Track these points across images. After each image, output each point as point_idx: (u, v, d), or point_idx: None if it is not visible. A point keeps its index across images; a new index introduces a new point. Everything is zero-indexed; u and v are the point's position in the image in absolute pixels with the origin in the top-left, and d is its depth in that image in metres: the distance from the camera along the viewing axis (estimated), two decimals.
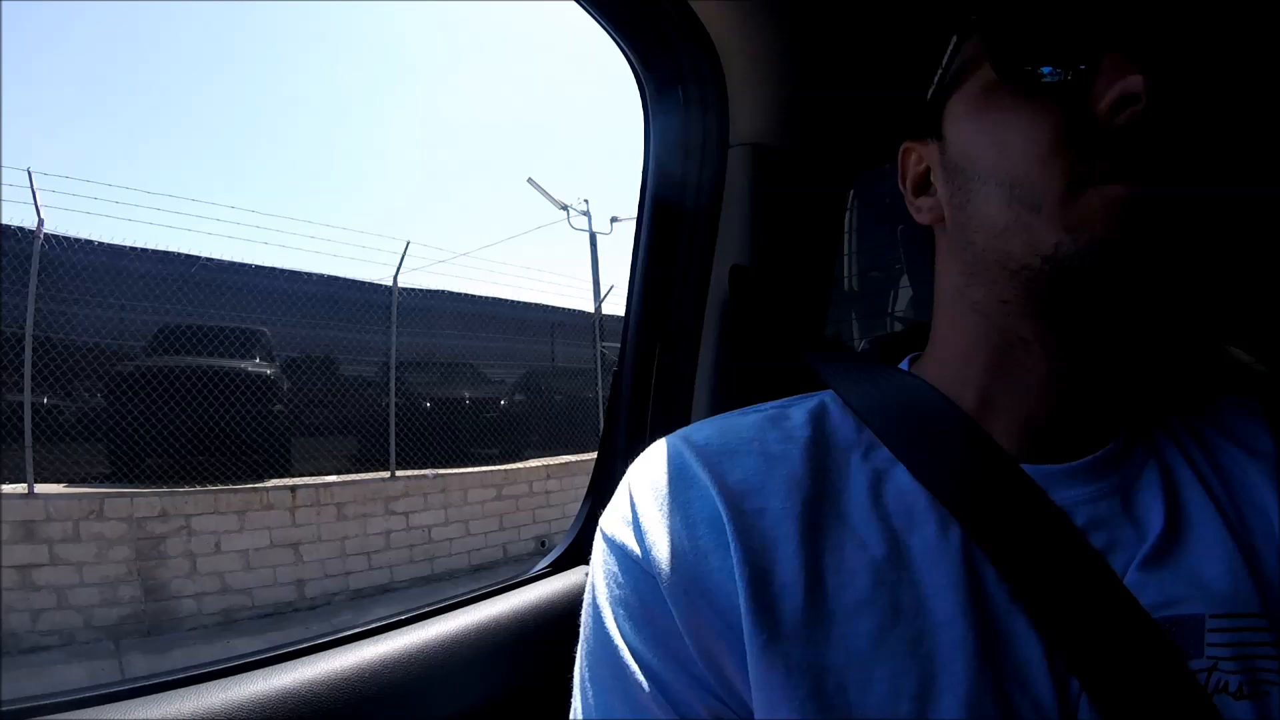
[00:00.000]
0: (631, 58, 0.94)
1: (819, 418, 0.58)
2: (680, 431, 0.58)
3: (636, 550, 0.52)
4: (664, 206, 0.99)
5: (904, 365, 0.63)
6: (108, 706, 0.65)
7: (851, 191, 1.37)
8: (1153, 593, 0.47)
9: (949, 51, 0.56)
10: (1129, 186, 0.44)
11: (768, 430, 0.56)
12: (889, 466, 0.54)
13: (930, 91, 0.58)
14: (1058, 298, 0.48)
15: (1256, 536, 0.49)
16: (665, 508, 0.52)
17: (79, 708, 0.64)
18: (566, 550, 1.05)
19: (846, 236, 1.44)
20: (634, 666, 0.50)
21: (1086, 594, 0.46)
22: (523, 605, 0.92)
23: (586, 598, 0.56)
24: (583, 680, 0.54)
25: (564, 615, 0.93)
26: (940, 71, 0.57)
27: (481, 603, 0.91)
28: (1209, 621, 0.47)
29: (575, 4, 0.83)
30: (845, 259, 1.45)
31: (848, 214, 1.42)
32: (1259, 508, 0.50)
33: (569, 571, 1.01)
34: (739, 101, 0.94)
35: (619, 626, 0.51)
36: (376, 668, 0.77)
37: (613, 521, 0.55)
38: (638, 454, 0.59)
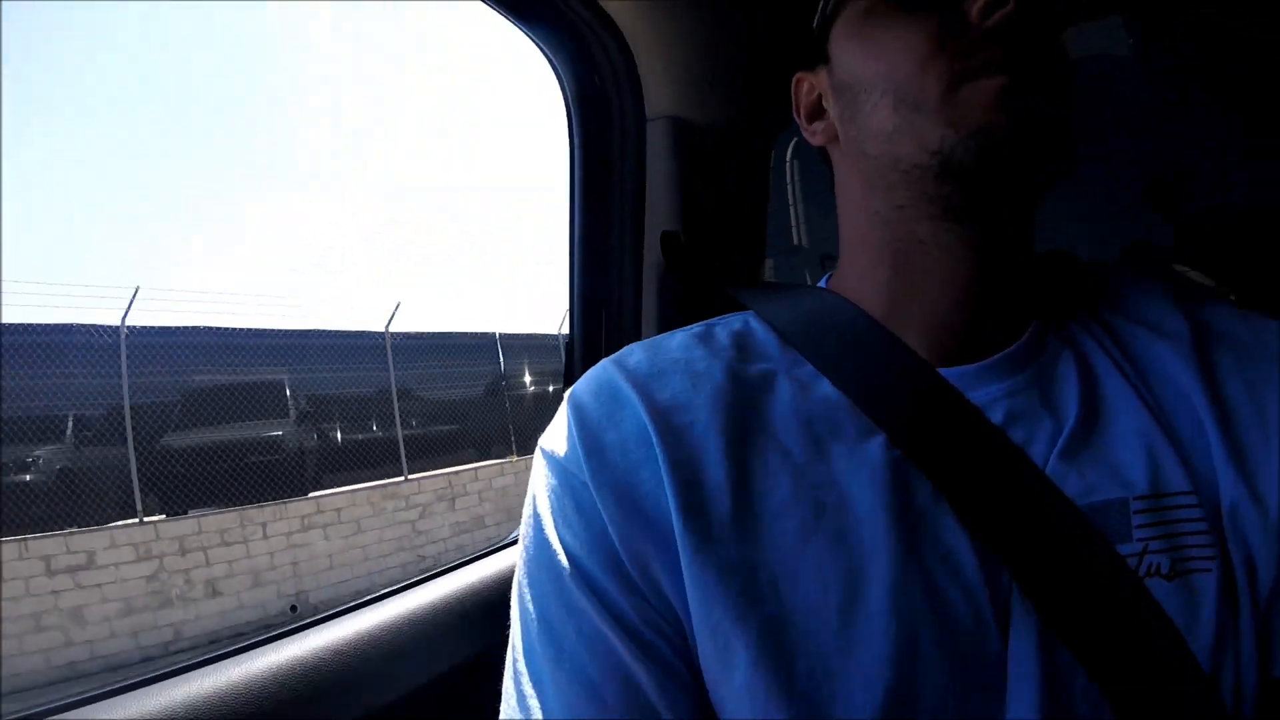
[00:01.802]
0: (539, 43, 0.99)
1: (742, 334, 0.61)
2: (614, 356, 0.60)
3: (573, 464, 0.54)
4: (593, 182, 1.04)
5: (822, 283, 0.66)
6: (90, 707, 0.68)
7: (791, 145, 1.42)
8: (1074, 482, 0.49)
9: None
10: (1000, 78, 0.48)
11: (694, 348, 0.59)
12: (811, 379, 0.56)
13: (815, 21, 0.62)
14: (949, 194, 0.51)
15: (1178, 417, 0.51)
16: (600, 425, 0.55)
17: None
18: None
19: (789, 189, 1.49)
20: (570, 571, 0.51)
21: (1007, 486, 0.48)
22: (507, 566, 0.98)
23: (526, 511, 0.58)
24: (520, 586, 0.55)
25: None
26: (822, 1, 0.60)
27: (465, 568, 0.97)
28: (1133, 504, 0.48)
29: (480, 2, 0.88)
30: (791, 211, 1.50)
31: (788, 168, 1.47)
32: (1177, 388, 0.52)
33: None
34: (650, 77, 0.99)
35: (557, 533, 0.53)
36: (375, 633, 0.82)
37: (552, 439, 0.57)
38: None
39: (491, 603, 0.94)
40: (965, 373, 0.54)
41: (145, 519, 7.00)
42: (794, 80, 0.65)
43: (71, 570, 6.39)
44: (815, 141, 0.64)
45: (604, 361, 0.60)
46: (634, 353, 0.60)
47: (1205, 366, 0.52)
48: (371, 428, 9.49)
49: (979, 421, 0.51)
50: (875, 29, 0.55)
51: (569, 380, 1.09)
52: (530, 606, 0.54)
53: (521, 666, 0.53)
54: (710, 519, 0.50)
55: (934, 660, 0.45)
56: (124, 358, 7.25)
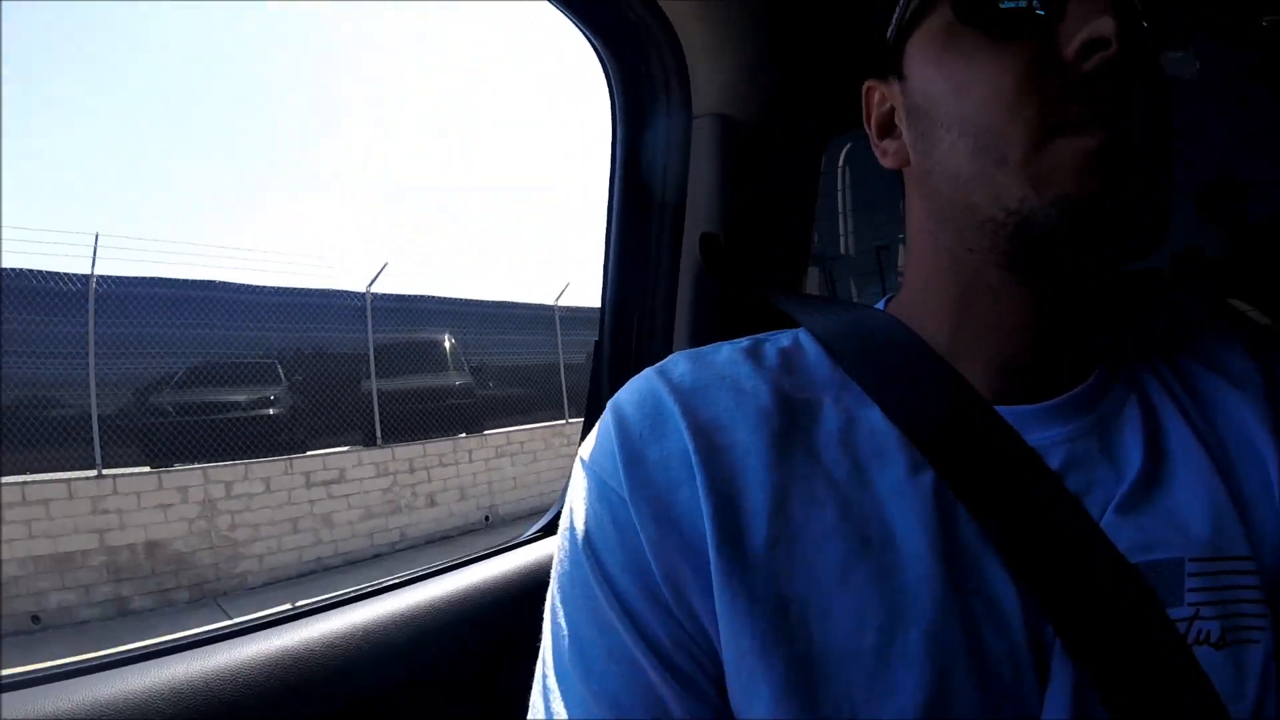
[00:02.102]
0: (589, 35, 0.96)
1: (792, 352, 0.58)
2: (658, 366, 0.58)
3: (613, 479, 0.52)
4: (634, 179, 1.01)
5: (880, 305, 0.62)
6: (96, 676, 0.69)
7: (845, 151, 1.38)
8: (1130, 536, 0.46)
9: None
10: (1098, 137, 0.43)
11: (741, 364, 0.56)
12: (861, 404, 0.53)
13: (890, 30, 0.54)
14: (1022, 250, 0.47)
15: (1243, 472, 0.48)
16: (641, 440, 0.52)
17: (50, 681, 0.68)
18: (556, 516, 1.09)
19: (839, 197, 1.45)
20: (605, 588, 0.50)
21: (1059, 536, 0.45)
22: (511, 569, 0.96)
23: (563, 524, 0.56)
24: (553, 598, 0.54)
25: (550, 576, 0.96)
26: (900, 7, 0.53)
27: (471, 566, 0.96)
28: (1189, 565, 0.46)
29: None
30: (840, 219, 1.46)
31: (840, 174, 1.43)
32: (1245, 441, 0.49)
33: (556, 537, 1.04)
34: (700, 73, 0.96)
35: (593, 549, 0.51)
36: (371, 628, 0.82)
37: (592, 451, 0.55)
38: None
39: (508, 599, 0.93)
40: (1025, 413, 0.51)
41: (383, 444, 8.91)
42: (865, 88, 0.60)
43: (326, 484, 8.10)
44: (886, 163, 0.58)
45: (648, 372, 0.57)
46: (679, 364, 0.57)
47: (1278, 422, 0.49)
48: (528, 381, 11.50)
49: (1035, 465, 0.48)
50: (957, 54, 0.48)
51: (595, 379, 1.07)
52: (562, 621, 0.52)
53: (551, 683, 0.52)
54: (746, 545, 0.48)
55: (967, 712, 0.43)
56: (369, 319, 9.06)
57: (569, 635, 0.51)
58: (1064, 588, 0.44)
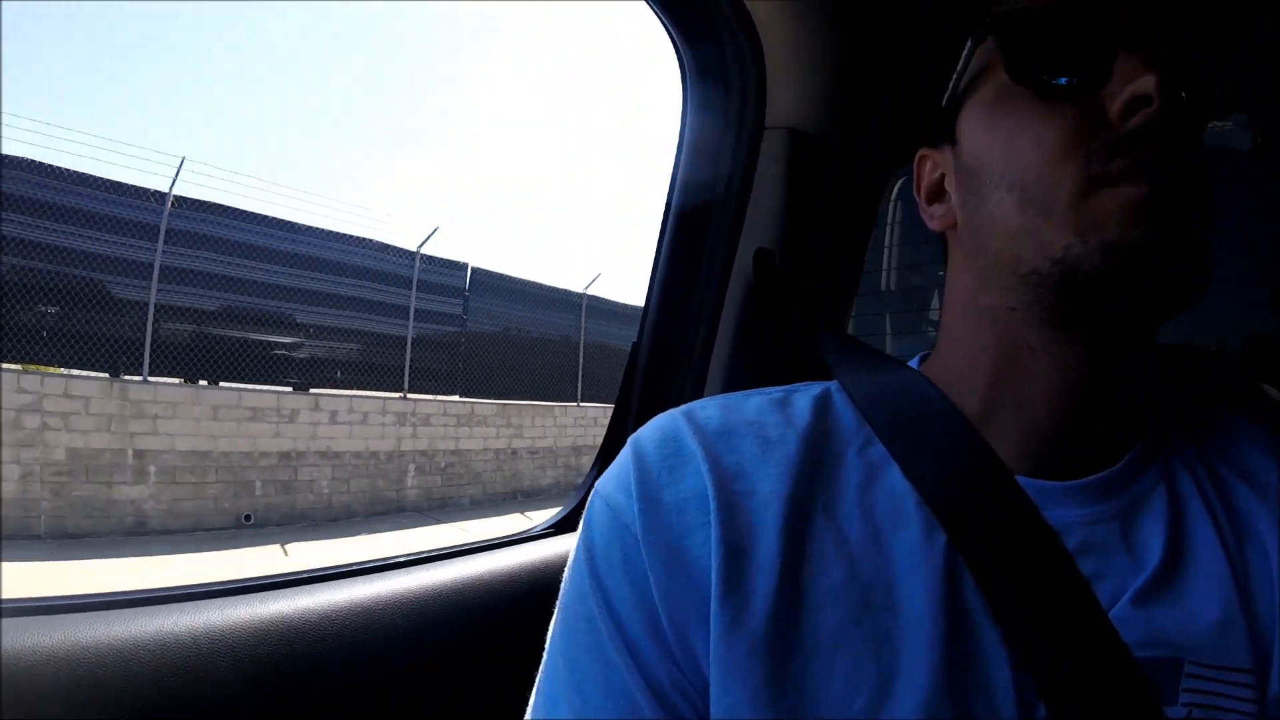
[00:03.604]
0: (673, 33, 0.93)
1: (822, 407, 0.57)
2: (685, 407, 0.58)
3: (627, 514, 0.52)
4: (695, 184, 0.99)
5: (914, 364, 0.62)
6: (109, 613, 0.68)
7: (898, 185, 1.36)
8: (1137, 629, 0.46)
9: (964, 56, 0.55)
10: (1141, 188, 0.44)
11: (769, 414, 0.56)
12: (883, 463, 0.53)
13: (946, 97, 0.57)
14: (1065, 301, 0.47)
15: (1254, 577, 0.48)
16: (659, 480, 0.52)
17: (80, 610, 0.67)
18: (569, 514, 1.07)
19: (888, 229, 1.43)
20: (610, 624, 0.50)
21: (1064, 620, 0.45)
22: (518, 562, 0.94)
23: (573, 553, 0.56)
24: (555, 626, 0.54)
25: (558, 577, 0.94)
26: (955, 76, 0.56)
27: (478, 555, 0.93)
28: (1188, 667, 0.45)
29: None
30: (885, 252, 1.44)
31: (892, 207, 1.41)
32: (1260, 546, 0.49)
33: (568, 535, 1.03)
34: (778, 84, 0.93)
35: (601, 584, 0.51)
36: (371, 606, 0.80)
37: (610, 485, 0.55)
38: None
39: (513, 591, 0.91)
40: (1049, 489, 0.51)
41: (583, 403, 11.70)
42: (917, 157, 0.61)
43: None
44: (933, 226, 0.60)
45: (675, 411, 0.57)
46: (707, 407, 0.57)
47: None
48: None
49: (1052, 544, 0.47)
50: (1007, 116, 0.51)
51: (629, 379, 1.04)
52: (561, 650, 0.53)
53: (543, 714, 0.52)
54: (750, 597, 0.47)
55: None
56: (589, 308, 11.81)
57: (566, 665, 0.52)
58: (1062, 671, 0.44)
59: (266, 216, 8.21)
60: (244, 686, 0.69)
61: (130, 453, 6.92)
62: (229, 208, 7.89)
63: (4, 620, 0.63)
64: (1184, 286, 0.46)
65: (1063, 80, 0.49)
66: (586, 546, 0.54)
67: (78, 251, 6.83)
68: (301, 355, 8.52)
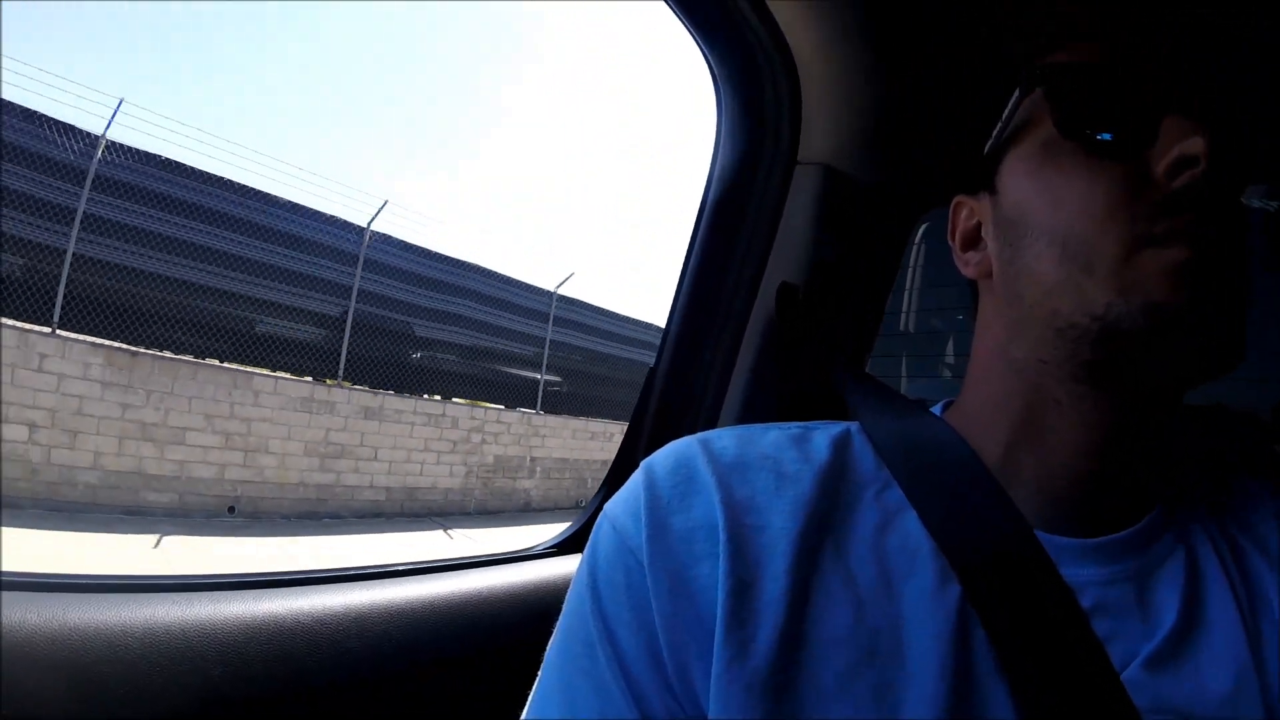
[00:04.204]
0: (711, 63, 0.93)
1: (841, 446, 0.56)
2: (700, 435, 0.57)
3: (634, 539, 0.51)
4: (723, 212, 0.98)
5: (936, 410, 0.62)
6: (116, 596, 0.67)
7: (922, 228, 1.35)
8: (1147, 695, 0.45)
9: (1010, 106, 0.55)
10: (1186, 251, 0.44)
11: (787, 449, 0.55)
12: (900, 509, 0.52)
13: (989, 145, 0.57)
14: (1102, 358, 0.47)
15: (1268, 647, 0.47)
16: (669, 507, 0.51)
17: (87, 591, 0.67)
18: (574, 534, 1.06)
19: (909, 272, 1.43)
20: (608, 650, 0.49)
21: (1075, 682, 0.44)
22: (519, 580, 0.93)
23: (577, 575, 0.55)
24: (553, 649, 0.53)
25: (559, 597, 0.93)
26: (1000, 125, 0.56)
27: (479, 569, 0.92)
28: None
29: (664, 3, 0.84)
30: (905, 295, 1.44)
31: (914, 250, 1.41)
32: (1272, 617, 0.48)
33: (571, 556, 1.02)
34: (814, 120, 0.93)
35: (602, 609, 0.51)
36: (365, 612, 0.79)
37: (618, 508, 0.54)
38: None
39: (512, 608, 0.90)
40: (1066, 545, 0.50)
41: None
42: (953, 204, 0.61)
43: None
44: (967, 273, 0.60)
45: (690, 439, 0.57)
46: (722, 437, 0.56)
47: None
48: None
49: (1067, 604, 0.46)
50: (1052, 169, 0.51)
51: (643, 403, 1.04)
52: (556, 672, 0.52)
53: None
54: (754, 635, 0.46)
55: None
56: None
57: (562, 689, 0.51)
58: None
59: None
60: (231, 683, 0.69)
61: (529, 458, 11.18)
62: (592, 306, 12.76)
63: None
64: (1224, 350, 0.46)
65: (1108, 136, 0.48)
66: (590, 569, 0.53)
67: (512, 331, 11.26)
68: (605, 397, 12.53)
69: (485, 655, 0.87)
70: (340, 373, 8.79)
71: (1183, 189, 0.45)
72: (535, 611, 0.91)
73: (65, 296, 6.74)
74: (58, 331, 6.64)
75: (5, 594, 0.63)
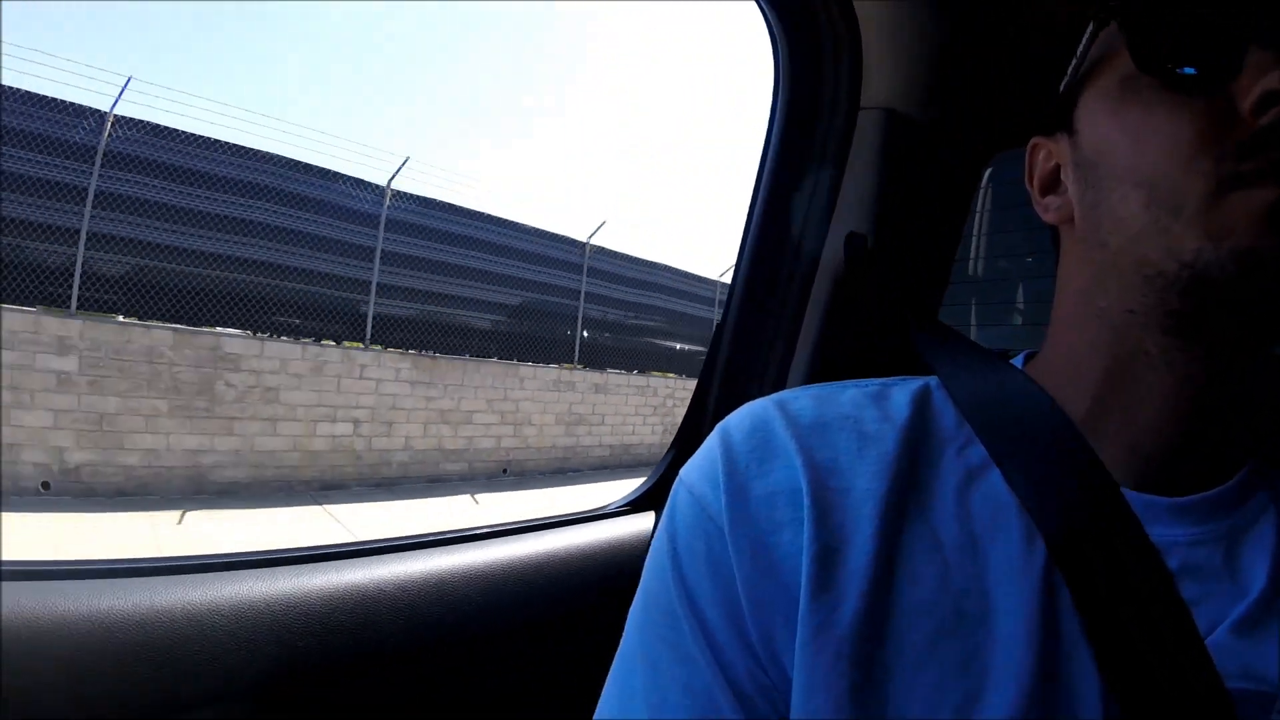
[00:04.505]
0: (766, 9, 0.91)
1: (921, 402, 0.54)
2: (776, 396, 0.55)
3: (713, 507, 0.50)
4: (786, 163, 0.96)
5: (1018, 362, 0.59)
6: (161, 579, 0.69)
7: (987, 171, 1.31)
8: (1235, 660, 0.43)
9: (1084, 41, 0.52)
10: (1276, 191, 0.41)
11: (866, 408, 0.53)
12: (983, 466, 0.50)
13: (1064, 83, 0.54)
14: (1192, 307, 0.44)
15: None
16: (748, 473, 0.50)
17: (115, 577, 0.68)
18: (645, 493, 1.06)
19: (975, 217, 1.39)
20: (692, 620, 0.48)
21: (1160, 645, 0.42)
22: (593, 539, 0.94)
23: (655, 543, 0.54)
24: (635, 619, 0.53)
25: (632, 555, 0.95)
26: (1075, 62, 0.53)
27: (553, 530, 0.93)
28: None
29: None
30: (973, 241, 1.39)
31: (981, 194, 1.36)
32: None
33: (643, 514, 1.03)
34: (874, 62, 0.90)
35: (684, 578, 0.50)
36: (444, 577, 0.81)
37: (695, 474, 0.53)
38: (727, 411, 0.58)
39: (588, 568, 0.91)
40: (1153, 504, 0.48)
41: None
42: (1030, 146, 0.58)
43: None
44: (1047, 218, 0.57)
45: (765, 400, 0.55)
46: (799, 398, 0.55)
47: None
48: None
49: (1155, 565, 0.44)
50: (1132, 106, 0.47)
51: (711, 362, 1.03)
52: (639, 641, 0.51)
53: (618, 707, 0.51)
54: (840, 602, 0.45)
55: None
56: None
57: (645, 659, 0.50)
58: (1151, 699, 0.41)
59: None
60: (317, 654, 0.70)
61: None
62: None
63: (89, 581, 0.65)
64: None
65: (1191, 70, 0.45)
66: (670, 537, 0.52)
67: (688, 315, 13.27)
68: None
69: (561, 616, 0.88)
70: (575, 358, 11.39)
71: (1271, 125, 0.41)
72: (609, 570, 0.92)
73: (374, 320, 8.91)
74: (369, 347, 8.77)
75: (94, 582, 0.66)
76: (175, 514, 6.32)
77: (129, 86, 6.90)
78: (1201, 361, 0.47)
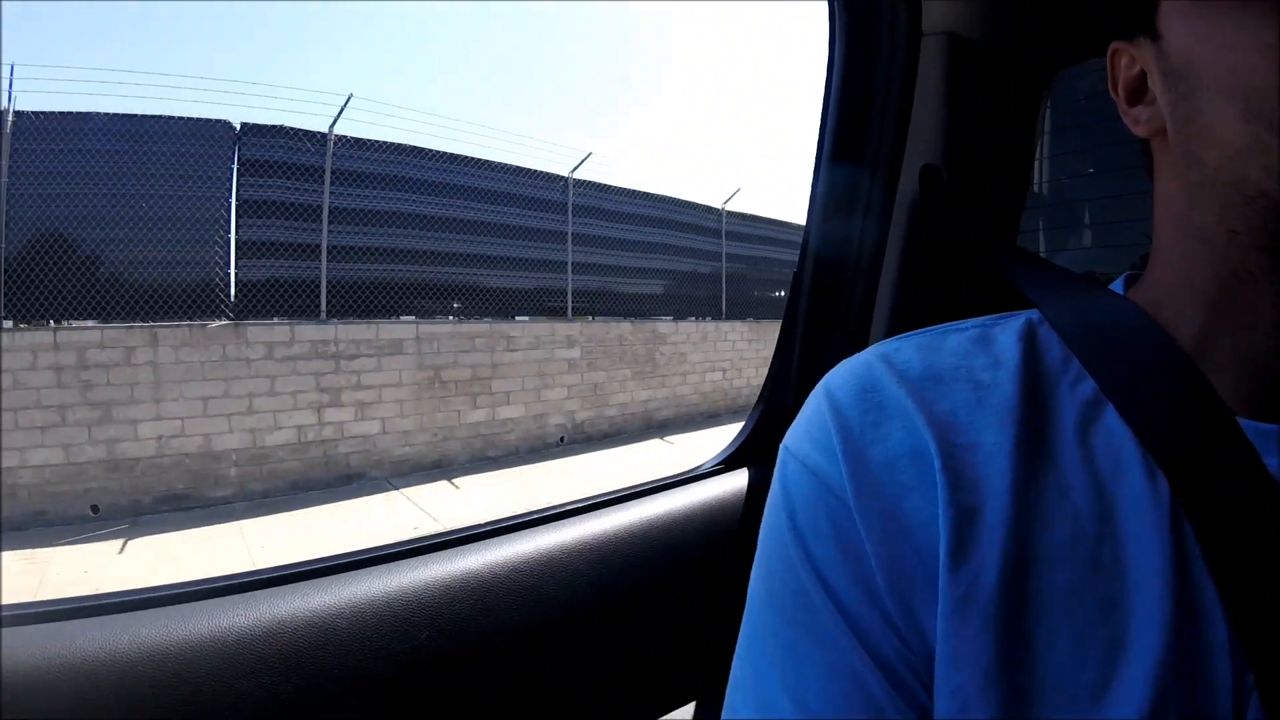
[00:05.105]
0: None
1: (1029, 341, 0.51)
2: (877, 349, 0.53)
3: (832, 478, 0.47)
4: (851, 100, 0.93)
5: (1117, 286, 0.55)
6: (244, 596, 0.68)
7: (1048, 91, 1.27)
8: None
9: None
10: None
11: (974, 354, 0.50)
12: (1097, 402, 0.47)
13: None
14: None
15: None
16: (864, 437, 0.48)
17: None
18: (737, 450, 1.05)
19: (1041, 138, 1.34)
20: (827, 601, 0.46)
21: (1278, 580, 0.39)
22: (691, 501, 0.93)
23: (770, 520, 0.52)
24: (757, 600, 0.51)
25: (732, 513, 0.94)
26: None
27: (652, 496, 0.93)
28: None
29: None
30: (1038, 164, 1.35)
31: (1043, 114, 1.32)
32: None
33: (737, 472, 1.02)
34: None
35: (811, 557, 0.47)
36: (553, 553, 0.81)
37: (805, 443, 0.50)
38: (813, 361, 0.55)
39: (690, 531, 0.90)
40: (1269, 432, 0.44)
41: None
42: (1110, 51, 0.52)
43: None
44: (1138, 132, 0.52)
45: (867, 355, 0.52)
46: (903, 350, 0.52)
47: None
48: None
49: (1274, 496, 0.41)
50: (1221, 6, 0.42)
51: (792, 309, 1.01)
52: (765, 624, 0.49)
53: (754, 694, 0.49)
54: (982, 562, 0.43)
55: None
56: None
57: (778, 643, 0.48)
58: (1271, 637, 0.39)
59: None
60: (439, 642, 0.71)
61: None
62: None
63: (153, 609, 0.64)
64: None
65: None
66: (788, 513, 0.50)
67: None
68: None
69: (669, 581, 0.88)
70: (723, 312, 12.96)
71: None
72: (709, 530, 0.91)
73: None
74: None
75: (218, 600, 0.66)
76: (636, 445, 9.87)
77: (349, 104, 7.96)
78: None
